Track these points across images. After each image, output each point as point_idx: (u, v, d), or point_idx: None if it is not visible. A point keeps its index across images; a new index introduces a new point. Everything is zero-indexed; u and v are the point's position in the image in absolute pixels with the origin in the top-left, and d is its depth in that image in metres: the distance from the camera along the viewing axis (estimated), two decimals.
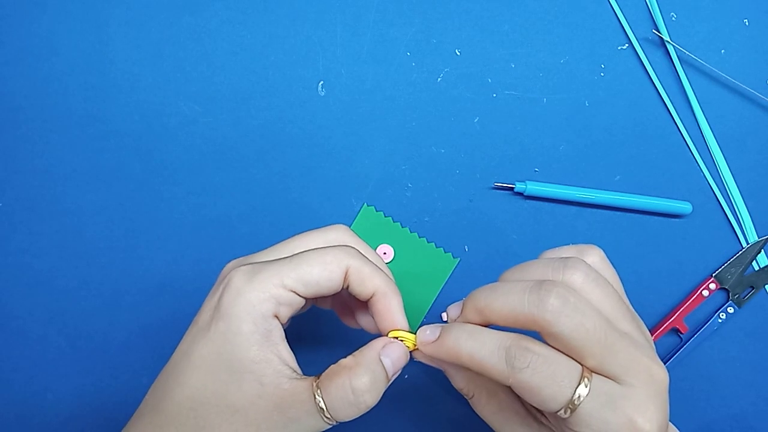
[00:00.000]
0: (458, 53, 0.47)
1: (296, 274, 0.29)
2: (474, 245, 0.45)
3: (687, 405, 0.45)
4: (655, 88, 0.47)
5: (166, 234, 0.45)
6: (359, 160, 0.46)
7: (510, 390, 0.32)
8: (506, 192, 0.46)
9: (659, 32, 0.47)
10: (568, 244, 0.32)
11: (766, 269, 0.46)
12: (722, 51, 0.48)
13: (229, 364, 0.28)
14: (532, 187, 0.45)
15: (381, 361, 0.30)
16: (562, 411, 0.26)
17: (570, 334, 0.26)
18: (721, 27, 0.48)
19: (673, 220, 0.46)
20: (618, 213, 0.46)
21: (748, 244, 0.46)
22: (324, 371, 0.30)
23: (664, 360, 0.45)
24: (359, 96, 0.47)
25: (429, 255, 0.45)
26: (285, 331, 0.30)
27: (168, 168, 0.45)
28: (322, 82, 0.47)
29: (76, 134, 0.46)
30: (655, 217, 0.46)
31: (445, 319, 0.42)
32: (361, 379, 0.29)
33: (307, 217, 0.45)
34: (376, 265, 0.32)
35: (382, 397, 0.29)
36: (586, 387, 0.26)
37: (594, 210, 0.46)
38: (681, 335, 0.45)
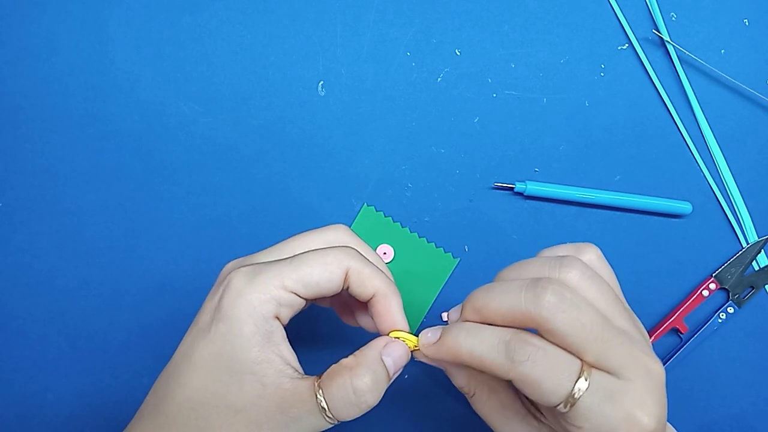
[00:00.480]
0: (458, 53, 0.47)
1: (297, 275, 0.29)
2: (474, 245, 0.45)
3: (687, 405, 0.45)
4: (655, 88, 0.47)
5: (166, 234, 0.45)
6: (359, 160, 0.46)
7: (510, 389, 0.32)
8: (506, 192, 0.46)
9: (659, 32, 0.47)
10: (566, 243, 0.32)
11: (766, 269, 0.46)
12: (722, 51, 0.48)
13: (230, 365, 0.28)
14: (532, 187, 0.45)
15: (382, 360, 0.30)
16: (562, 405, 0.27)
17: (567, 330, 0.27)
18: (721, 27, 0.48)
19: (673, 220, 0.46)
20: (618, 213, 0.46)
21: (748, 244, 0.46)
22: (325, 371, 0.30)
23: (664, 360, 0.45)
24: (359, 96, 0.47)
25: (429, 255, 0.45)
26: (285, 329, 0.30)
27: (168, 168, 0.45)
28: (322, 82, 0.47)
29: (76, 134, 0.46)
30: (655, 217, 0.46)
31: (445, 319, 0.42)
32: (363, 379, 0.29)
33: (307, 217, 0.45)
34: (376, 266, 0.32)
35: (382, 397, 0.29)
36: (586, 381, 0.26)
37: (594, 210, 0.46)
38: (681, 335, 0.45)
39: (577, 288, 0.28)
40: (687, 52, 0.47)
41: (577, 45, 0.48)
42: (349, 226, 0.43)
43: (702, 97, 0.47)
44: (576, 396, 0.26)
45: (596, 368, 0.27)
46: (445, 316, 0.44)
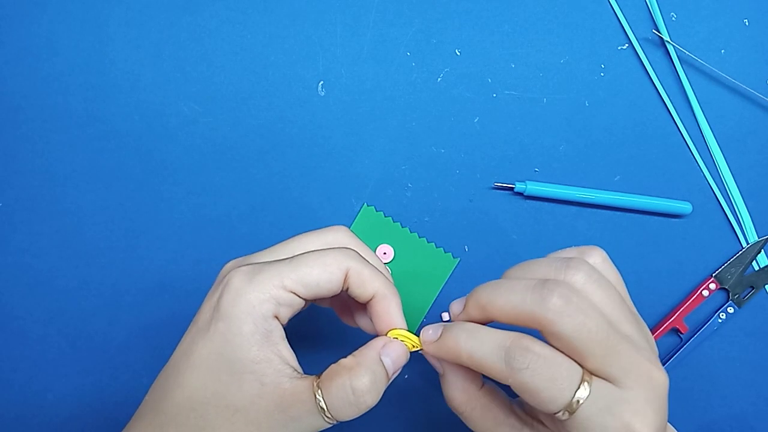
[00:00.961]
0: (458, 53, 0.47)
1: (296, 276, 0.29)
2: (474, 245, 0.45)
3: (687, 405, 0.45)
4: (655, 88, 0.47)
5: (166, 234, 0.45)
6: (359, 160, 0.46)
7: (504, 405, 0.32)
8: (506, 192, 0.46)
9: (659, 32, 0.47)
10: (571, 246, 0.32)
11: (766, 269, 0.46)
12: (722, 51, 0.48)
13: (229, 364, 0.28)
14: (532, 187, 0.45)
15: (381, 360, 0.30)
16: (561, 413, 0.26)
17: (571, 334, 0.26)
18: (721, 27, 0.48)
19: (673, 220, 0.46)
20: (618, 213, 0.46)
21: (748, 244, 0.46)
22: (324, 370, 0.30)
23: (664, 360, 0.45)
24: (359, 96, 0.47)
25: (429, 255, 0.45)
26: (285, 329, 0.30)
27: (168, 168, 0.45)
28: (322, 82, 0.47)
29: (76, 134, 0.46)
30: (655, 217, 0.46)
31: (445, 318, 0.42)
32: (362, 379, 0.29)
33: (307, 217, 0.45)
34: (376, 268, 0.31)
35: (381, 397, 0.29)
36: (586, 390, 0.26)
37: (594, 210, 0.46)
38: (681, 335, 0.45)
39: (583, 291, 0.28)
40: (687, 52, 0.47)
41: (577, 45, 0.48)
42: (349, 227, 0.44)
43: (702, 97, 0.47)
44: (575, 405, 0.26)
45: (597, 375, 0.27)
46: (445, 316, 0.44)
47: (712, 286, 0.45)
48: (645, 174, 0.47)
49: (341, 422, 0.29)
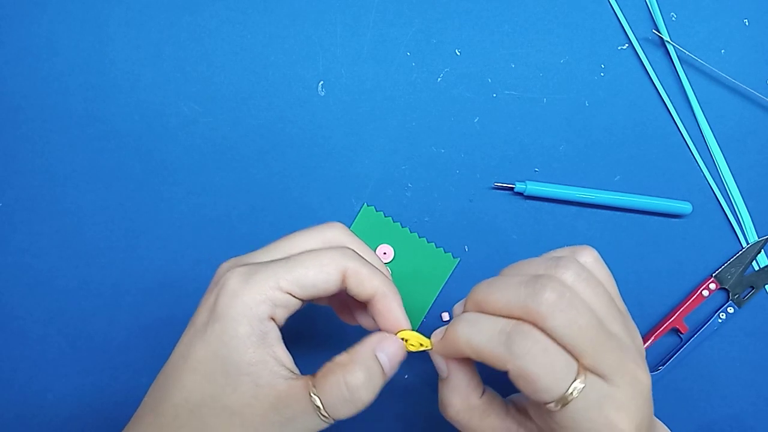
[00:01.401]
0: (458, 53, 0.47)
1: (292, 276, 0.29)
2: (474, 245, 0.45)
3: (687, 405, 0.45)
4: (655, 88, 0.47)
5: (166, 234, 0.45)
6: (359, 160, 0.46)
7: (501, 409, 0.32)
8: (506, 192, 0.46)
9: (659, 32, 0.47)
10: (567, 246, 0.32)
11: (766, 269, 0.46)
12: (722, 51, 0.48)
13: (225, 366, 0.28)
14: (532, 187, 0.45)
15: (376, 356, 0.30)
16: (554, 404, 0.26)
17: (563, 329, 0.27)
18: (721, 27, 0.48)
19: (673, 220, 0.46)
20: (618, 213, 0.46)
21: (748, 244, 0.46)
22: (319, 370, 0.30)
23: (664, 360, 0.45)
24: (359, 96, 0.47)
25: (429, 255, 0.45)
26: (282, 329, 0.30)
27: (168, 168, 0.45)
28: (322, 82, 0.47)
29: (76, 134, 0.46)
30: (655, 217, 0.46)
31: (446, 318, 0.42)
32: (356, 375, 0.29)
33: (307, 217, 0.45)
34: (374, 266, 0.31)
35: (380, 397, 0.29)
36: (582, 383, 0.26)
37: (594, 210, 0.46)
38: (681, 335, 0.45)
39: (572, 288, 0.28)
40: (687, 52, 0.47)
41: (577, 45, 0.48)
42: (349, 227, 0.44)
43: (702, 97, 0.47)
44: (570, 396, 0.26)
45: (590, 371, 0.27)
46: (445, 316, 0.44)
47: (712, 286, 0.45)
48: (645, 174, 0.47)
49: (339, 421, 0.29)
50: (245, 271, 0.29)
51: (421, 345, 0.31)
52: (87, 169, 0.45)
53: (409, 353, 0.32)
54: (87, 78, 0.46)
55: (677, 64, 0.48)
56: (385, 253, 0.45)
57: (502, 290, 0.28)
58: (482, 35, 0.47)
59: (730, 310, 0.45)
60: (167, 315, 0.44)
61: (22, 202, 0.45)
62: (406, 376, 0.44)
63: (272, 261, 0.30)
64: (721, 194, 0.47)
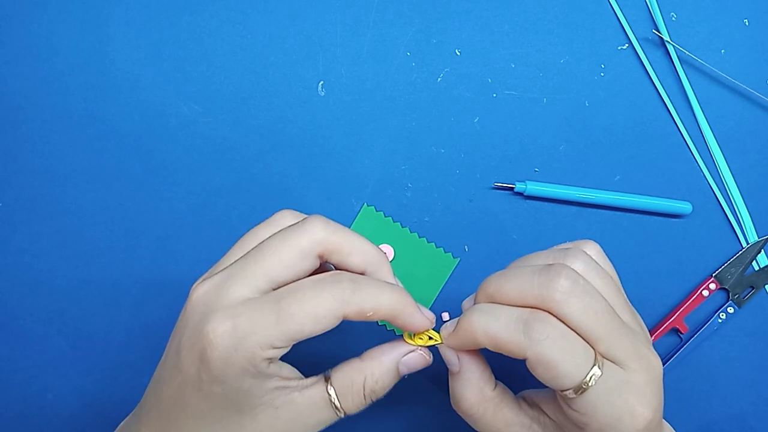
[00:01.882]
0: (458, 53, 0.47)
1: (286, 336, 0.27)
2: (474, 245, 0.45)
3: (687, 405, 0.45)
4: (655, 88, 0.47)
5: (166, 234, 0.45)
6: (359, 160, 0.46)
7: (513, 404, 0.32)
8: (506, 192, 0.46)
9: (659, 32, 0.47)
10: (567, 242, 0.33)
11: (766, 269, 0.46)
12: (722, 51, 0.48)
13: (236, 408, 0.28)
14: (532, 187, 0.45)
15: (398, 368, 0.31)
16: (572, 390, 0.27)
17: (579, 315, 0.27)
18: (721, 27, 0.48)
19: (673, 220, 0.46)
20: (618, 213, 0.46)
21: (748, 244, 0.46)
22: (335, 370, 0.30)
23: (664, 360, 0.45)
24: (359, 96, 0.47)
25: (429, 255, 0.45)
26: None
27: (168, 168, 0.45)
28: (322, 82, 0.47)
29: (76, 134, 0.46)
30: (655, 217, 0.46)
31: (445, 318, 0.42)
32: (378, 383, 0.30)
33: None
34: (373, 284, 0.29)
35: (381, 400, 0.30)
36: (600, 369, 0.27)
37: (594, 210, 0.46)
38: (681, 335, 0.45)
39: (583, 277, 0.28)
40: (687, 52, 0.47)
41: (577, 45, 0.48)
42: (349, 227, 0.44)
43: (702, 97, 0.47)
44: (588, 383, 0.26)
45: (606, 358, 0.27)
46: (445, 315, 0.44)
47: (712, 286, 0.45)
48: (645, 174, 0.47)
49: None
50: (231, 330, 0.26)
51: (431, 339, 0.31)
52: (87, 169, 0.45)
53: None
54: (87, 78, 0.46)
55: (677, 64, 0.48)
56: (385, 253, 0.45)
57: (515, 280, 0.29)
58: (482, 35, 0.47)
59: (730, 310, 0.45)
60: (167, 315, 0.44)
61: (22, 202, 0.45)
62: (406, 377, 0.44)
63: (259, 310, 0.27)
64: (721, 194, 0.47)
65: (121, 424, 0.34)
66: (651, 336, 0.44)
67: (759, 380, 0.45)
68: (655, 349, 0.29)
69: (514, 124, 0.47)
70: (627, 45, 0.48)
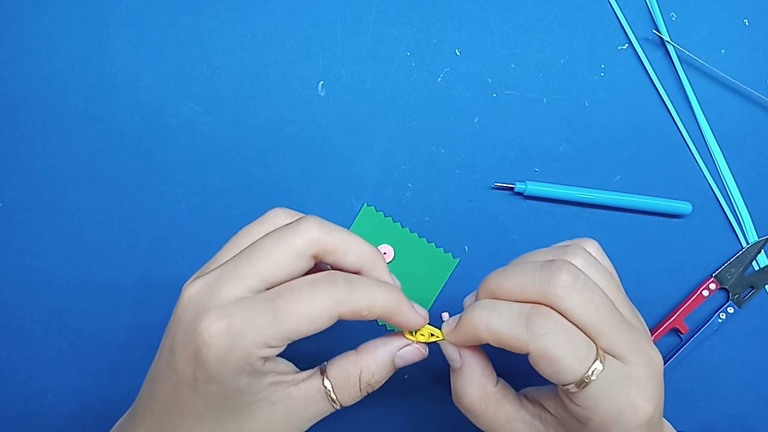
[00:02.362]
0: (458, 53, 0.47)
1: (282, 335, 0.27)
2: (474, 245, 0.45)
3: (687, 405, 0.45)
4: (655, 88, 0.47)
5: (165, 234, 0.45)
6: (359, 160, 0.46)
7: (515, 400, 0.32)
8: (506, 192, 0.46)
9: (659, 32, 0.47)
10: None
11: (766, 269, 0.46)
12: (722, 51, 0.48)
13: (233, 406, 0.28)
14: (532, 187, 0.45)
15: (394, 361, 0.31)
16: (573, 385, 0.27)
17: (581, 309, 0.27)
18: (721, 27, 0.48)
19: (673, 220, 0.46)
20: (618, 213, 0.46)
21: (748, 244, 0.46)
22: (330, 363, 0.30)
23: (665, 360, 0.45)
24: (359, 96, 0.47)
25: (429, 255, 0.45)
26: None
27: (168, 168, 0.45)
28: (322, 82, 0.47)
29: (76, 134, 0.46)
30: (655, 217, 0.46)
31: (445, 318, 0.42)
32: (374, 376, 0.30)
33: None
34: (370, 284, 0.29)
35: (381, 397, 0.30)
36: (602, 363, 0.27)
37: (594, 210, 0.46)
38: (681, 335, 0.45)
39: (584, 272, 0.28)
40: (687, 52, 0.47)
41: (577, 45, 0.48)
42: (349, 227, 0.44)
43: (702, 97, 0.47)
44: (590, 378, 0.26)
45: (607, 353, 0.27)
46: (445, 315, 0.44)
47: (712, 286, 0.45)
48: (645, 174, 0.47)
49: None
50: (225, 329, 0.26)
51: (432, 336, 0.31)
52: (87, 169, 0.45)
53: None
54: (87, 78, 0.46)
55: (677, 64, 0.48)
56: (385, 253, 0.45)
57: (516, 276, 0.29)
58: (482, 35, 0.47)
59: (730, 310, 0.45)
60: (167, 315, 0.44)
61: (22, 202, 0.45)
62: (405, 376, 0.44)
63: (254, 309, 0.27)
64: (721, 194, 0.47)
65: (116, 424, 0.34)
66: (651, 336, 0.45)
67: (759, 380, 0.45)
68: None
69: (514, 124, 0.47)
70: (627, 45, 0.48)
